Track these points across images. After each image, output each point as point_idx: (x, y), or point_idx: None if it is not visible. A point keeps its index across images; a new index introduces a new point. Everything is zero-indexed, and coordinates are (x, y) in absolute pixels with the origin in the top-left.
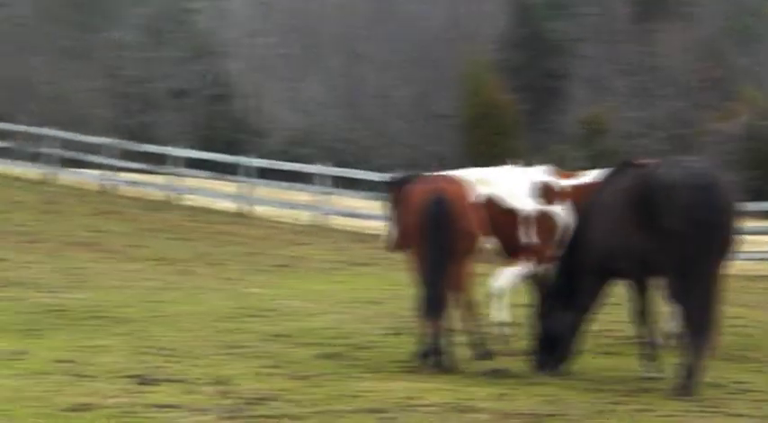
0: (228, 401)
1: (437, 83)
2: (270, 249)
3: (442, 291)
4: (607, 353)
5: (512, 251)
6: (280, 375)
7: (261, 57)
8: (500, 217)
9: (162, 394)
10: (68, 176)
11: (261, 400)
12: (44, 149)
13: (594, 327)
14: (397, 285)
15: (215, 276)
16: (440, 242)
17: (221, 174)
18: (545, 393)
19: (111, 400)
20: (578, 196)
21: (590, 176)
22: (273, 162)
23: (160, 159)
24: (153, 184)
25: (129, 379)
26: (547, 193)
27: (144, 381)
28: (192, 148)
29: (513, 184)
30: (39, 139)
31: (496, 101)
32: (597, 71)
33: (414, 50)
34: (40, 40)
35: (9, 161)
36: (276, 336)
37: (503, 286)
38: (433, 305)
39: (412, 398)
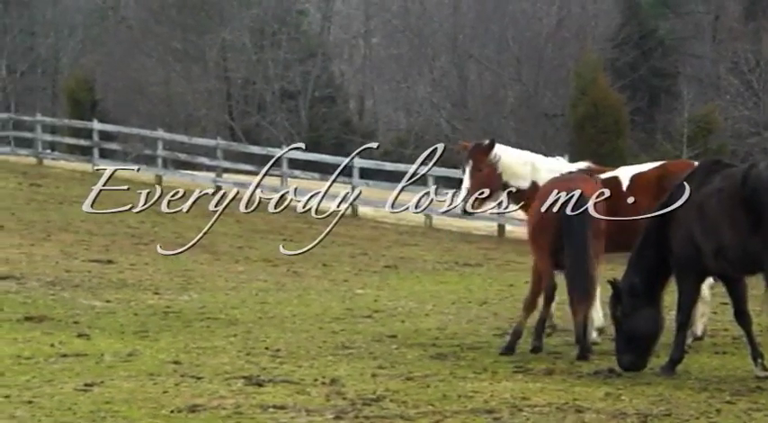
0: (338, 402)
1: (546, 82)
2: (377, 250)
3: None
4: (715, 352)
5: None
6: (389, 376)
7: (369, 57)
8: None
9: (272, 395)
10: (178, 178)
11: (371, 400)
12: (156, 151)
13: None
14: (504, 285)
15: (323, 277)
16: (581, 237)
17: (329, 175)
18: (653, 393)
19: (222, 402)
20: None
21: (619, 172)
22: (380, 163)
23: (268, 161)
24: (261, 186)
25: (239, 380)
26: None
27: (254, 382)
28: (300, 149)
29: (556, 174)
30: (150, 141)
31: (605, 100)
32: (707, 70)
33: (522, 50)
34: (150, 42)
35: (120, 163)
36: (385, 336)
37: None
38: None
39: (520, 398)
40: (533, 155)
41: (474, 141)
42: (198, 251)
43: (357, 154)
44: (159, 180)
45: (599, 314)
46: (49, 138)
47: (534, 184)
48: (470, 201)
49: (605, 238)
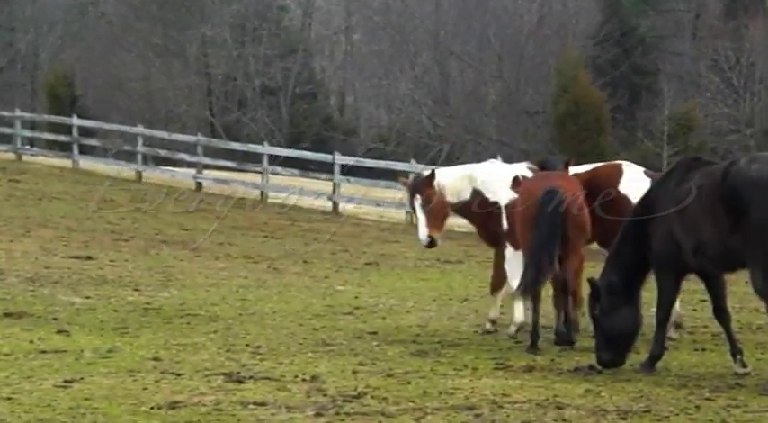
0: (319, 399)
1: (527, 79)
2: (358, 247)
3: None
4: (695, 349)
5: (493, 240)
6: (369, 373)
7: (350, 54)
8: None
9: (253, 392)
10: (158, 174)
11: (351, 397)
12: (135, 148)
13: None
14: (485, 283)
15: (304, 274)
16: (554, 231)
17: (309, 172)
18: (633, 390)
19: (202, 398)
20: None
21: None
22: (361, 160)
23: (249, 157)
24: (242, 182)
25: (219, 376)
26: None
27: (235, 378)
28: (281, 145)
29: (495, 179)
30: (129, 137)
31: (586, 97)
32: (687, 67)
33: (504, 47)
34: (130, 38)
35: (101, 159)
36: (365, 333)
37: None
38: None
39: (500, 395)
40: (466, 166)
41: (413, 177)
42: (178, 248)
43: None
44: (139, 176)
45: (519, 309)
46: (28, 133)
47: (475, 192)
48: (432, 234)
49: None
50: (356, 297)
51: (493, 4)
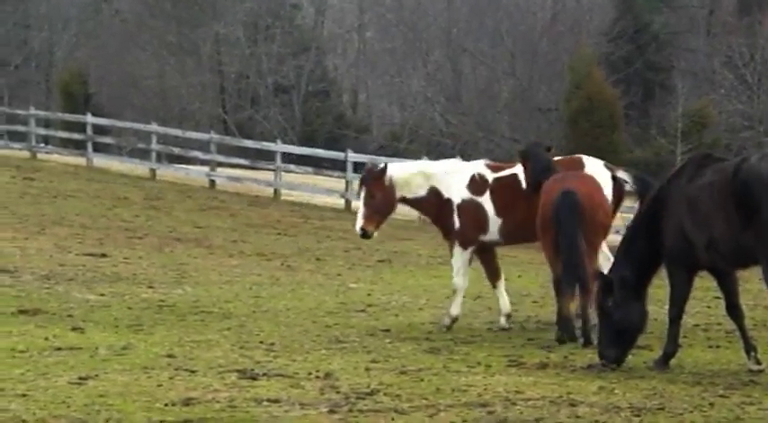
0: (332, 396)
1: (540, 76)
2: (371, 244)
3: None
4: (708, 346)
5: (448, 236)
6: (382, 370)
7: (362, 51)
8: (440, 206)
9: (266, 389)
10: (172, 172)
11: (365, 394)
12: (149, 145)
13: (696, 320)
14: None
15: (317, 272)
16: (575, 232)
17: (323, 169)
18: (647, 387)
19: (216, 395)
20: (501, 188)
21: (518, 169)
22: (374, 157)
23: (262, 155)
24: (255, 180)
25: (233, 373)
26: (479, 184)
27: (248, 375)
28: (294, 143)
29: (451, 177)
30: (143, 135)
31: (600, 94)
32: (701, 64)
33: (517, 44)
34: (144, 36)
35: (115, 157)
36: (378, 330)
37: (460, 280)
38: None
39: (514, 392)
40: (424, 163)
41: (368, 168)
42: (192, 245)
43: None
44: (153, 174)
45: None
46: (42, 131)
47: (432, 189)
48: (366, 227)
49: (510, 232)
50: (369, 294)
51: (506, 0)
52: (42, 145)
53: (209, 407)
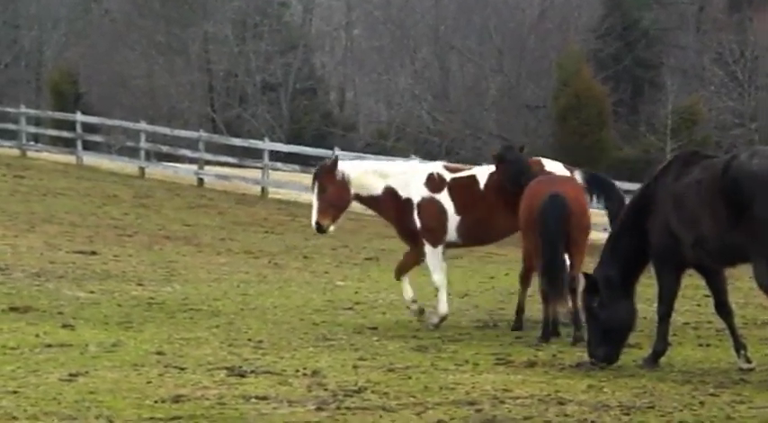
0: (320, 393)
1: (528, 73)
2: (358, 242)
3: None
4: (699, 344)
5: (409, 236)
6: (370, 368)
7: (350, 49)
8: (398, 206)
9: (255, 386)
10: (161, 170)
11: (352, 392)
12: (138, 144)
13: (685, 318)
14: (485, 278)
15: (304, 269)
16: (560, 236)
17: (310, 167)
18: (636, 385)
19: (206, 392)
20: (459, 188)
21: (476, 170)
22: (361, 155)
23: (250, 153)
24: (243, 178)
25: (222, 371)
26: (437, 182)
27: (237, 372)
28: (281, 141)
29: (408, 177)
30: (132, 133)
31: (588, 91)
32: (691, 61)
33: (505, 41)
34: (133, 35)
35: (104, 155)
36: (365, 328)
37: (440, 277)
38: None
39: (502, 390)
40: (380, 163)
41: (320, 164)
42: (180, 243)
43: None
44: (142, 172)
45: (444, 301)
46: (32, 129)
47: (388, 189)
48: (321, 221)
49: (465, 234)
50: (356, 292)
51: None
52: (32, 143)
53: (198, 404)
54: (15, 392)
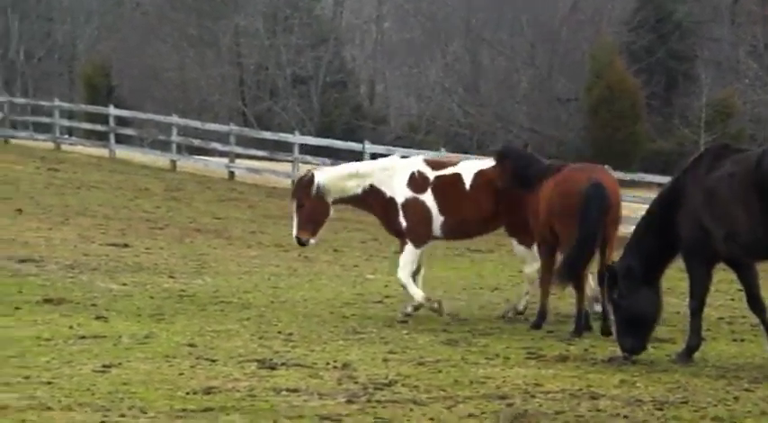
0: (350, 386)
1: (560, 66)
2: (388, 236)
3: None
4: (733, 339)
5: (398, 232)
6: (400, 361)
7: (380, 42)
8: (383, 204)
9: (285, 378)
10: (192, 164)
11: (382, 385)
12: (169, 137)
13: (719, 313)
14: (515, 272)
15: (334, 263)
16: (599, 226)
17: (341, 160)
18: (670, 381)
19: (237, 384)
20: (443, 187)
21: (461, 167)
22: (391, 148)
23: (280, 146)
24: (273, 171)
25: (253, 363)
26: (419, 182)
27: (267, 365)
28: (311, 134)
29: (390, 173)
30: (164, 126)
31: (621, 84)
32: (725, 53)
33: (536, 33)
34: (165, 28)
35: (136, 148)
36: (396, 322)
37: (405, 274)
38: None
39: (533, 384)
40: (356, 164)
41: (297, 179)
42: (211, 236)
43: None
44: (173, 165)
45: (417, 291)
46: (66, 123)
47: (371, 187)
48: (300, 235)
49: (449, 231)
50: (386, 286)
51: None
52: (66, 136)
53: (229, 396)
54: (50, 383)
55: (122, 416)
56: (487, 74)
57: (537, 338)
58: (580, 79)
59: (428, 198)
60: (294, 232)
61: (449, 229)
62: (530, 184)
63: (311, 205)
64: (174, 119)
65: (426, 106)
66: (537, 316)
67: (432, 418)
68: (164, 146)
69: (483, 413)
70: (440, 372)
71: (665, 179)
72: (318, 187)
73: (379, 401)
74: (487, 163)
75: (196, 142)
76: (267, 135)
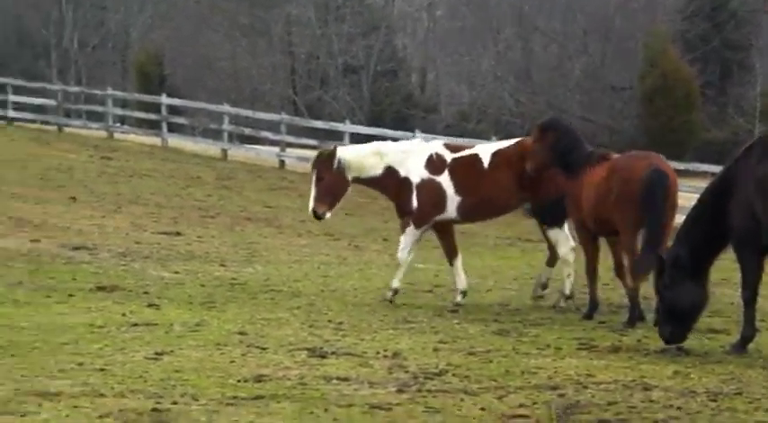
0: (401, 375)
1: (613, 54)
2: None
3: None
4: None
5: (404, 214)
6: (451, 350)
7: (432, 30)
8: (398, 184)
9: (336, 367)
10: (243, 152)
11: (433, 374)
12: (221, 126)
13: None
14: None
15: (384, 252)
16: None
17: None
18: (723, 372)
19: (287, 372)
20: (460, 167)
21: (479, 149)
22: (442, 137)
23: (331, 135)
24: None
25: (303, 351)
26: (437, 164)
27: (318, 353)
28: (362, 123)
29: (408, 156)
30: (216, 115)
31: (675, 72)
32: None
33: (589, 21)
34: (217, 17)
35: (188, 137)
36: (446, 311)
37: (405, 255)
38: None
39: (585, 375)
40: (379, 143)
41: (318, 152)
42: (262, 224)
43: None
44: (225, 154)
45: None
46: (119, 112)
47: (388, 169)
48: (317, 208)
49: (465, 212)
50: (436, 275)
51: None
52: (119, 125)
53: (280, 384)
54: (103, 370)
55: (174, 403)
56: (539, 62)
57: (589, 329)
58: (634, 68)
59: (444, 179)
60: (311, 205)
61: (465, 209)
62: (570, 167)
63: (331, 179)
64: (226, 108)
65: (478, 95)
66: (588, 306)
67: (482, 408)
68: (215, 135)
69: (534, 404)
70: (491, 362)
71: (720, 169)
72: (340, 162)
73: (429, 391)
74: (503, 144)
75: (247, 131)
76: (318, 124)
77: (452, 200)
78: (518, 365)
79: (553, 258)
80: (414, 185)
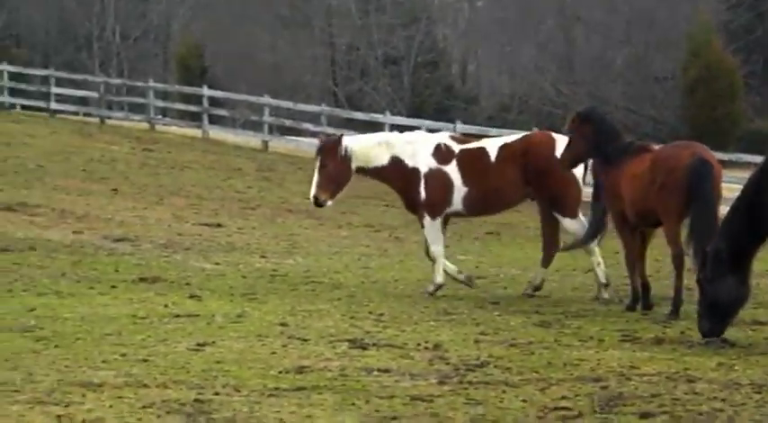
0: (442, 367)
1: (656, 44)
2: (479, 217)
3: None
4: None
5: (412, 206)
6: (492, 342)
7: (473, 21)
8: (405, 175)
9: (376, 358)
10: (284, 144)
11: (474, 366)
12: (262, 118)
13: None
14: (609, 253)
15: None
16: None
17: None
18: None
19: (328, 364)
20: (467, 159)
21: (486, 143)
22: (483, 128)
23: (371, 127)
24: None
25: (344, 343)
26: (445, 154)
27: (359, 345)
28: (402, 114)
29: (415, 146)
30: (256, 107)
31: (719, 63)
32: None
33: (632, 11)
34: (258, 9)
35: (229, 129)
36: (487, 303)
37: (438, 248)
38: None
39: (628, 367)
40: (385, 134)
41: (324, 137)
42: (302, 216)
43: None
44: (265, 146)
45: (440, 272)
46: (160, 103)
47: (394, 159)
48: (318, 195)
49: (471, 205)
50: (477, 267)
51: None
52: (160, 117)
53: (321, 375)
54: (145, 361)
55: (216, 394)
56: (581, 52)
57: (632, 321)
58: (677, 58)
59: (452, 169)
60: (313, 191)
61: (471, 202)
62: (608, 158)
63: (335, 167)
64: (267, 99)
65: (519, 85)
66: (630, 298)
67: (524, 400)
68: (256, 126)
69: (577, 396)
70: (532, 353)
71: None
72: (346, 150)
73: (470, 383)
74: (510, 138)
75: (288, 123)
76: (358, 115)
77: (459, 191)
78: (560, 357)
79: (548, 258)
80: (422, 175)
